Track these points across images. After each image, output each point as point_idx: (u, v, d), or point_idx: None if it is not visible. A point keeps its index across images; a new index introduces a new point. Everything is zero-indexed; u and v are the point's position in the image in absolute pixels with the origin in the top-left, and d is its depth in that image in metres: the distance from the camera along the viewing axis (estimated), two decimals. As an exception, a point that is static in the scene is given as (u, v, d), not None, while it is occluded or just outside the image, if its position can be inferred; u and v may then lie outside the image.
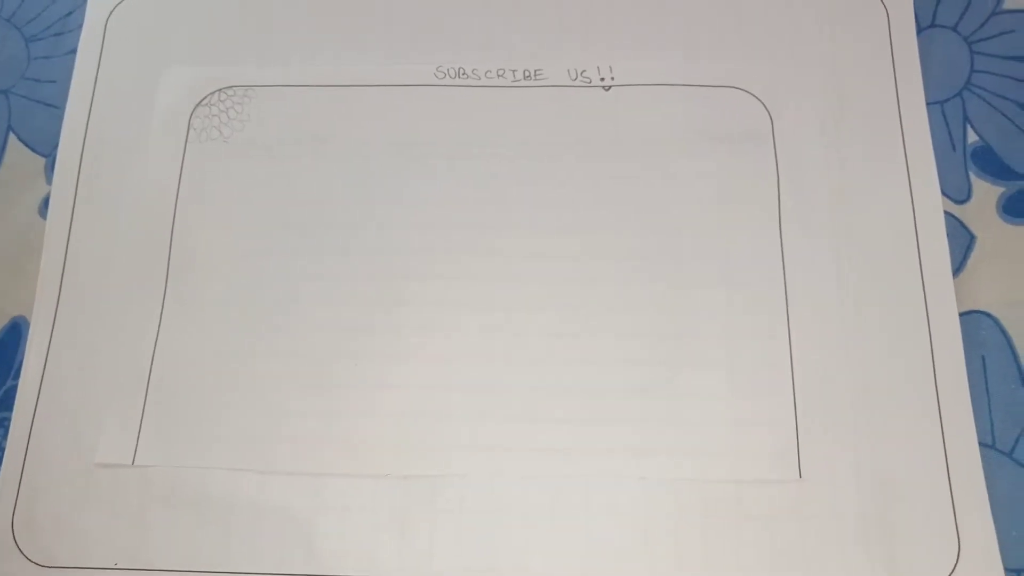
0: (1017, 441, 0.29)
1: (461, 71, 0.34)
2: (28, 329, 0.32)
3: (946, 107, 0.33)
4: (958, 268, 0.31)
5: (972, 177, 0.32)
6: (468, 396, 0.30)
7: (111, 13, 0.36)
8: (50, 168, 0.34)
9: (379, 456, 0.30)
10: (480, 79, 0.34)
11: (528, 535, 0.29)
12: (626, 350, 0.30)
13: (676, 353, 0.30)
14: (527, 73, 0.34)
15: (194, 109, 0.34)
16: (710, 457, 0.29)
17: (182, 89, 0.34)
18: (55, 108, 0.35)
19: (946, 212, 0.31)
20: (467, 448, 0.30)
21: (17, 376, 0.31)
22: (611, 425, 0.30)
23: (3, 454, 0.30)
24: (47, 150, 0.35)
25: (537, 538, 0.29)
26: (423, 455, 0.30)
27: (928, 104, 0.33)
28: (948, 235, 0.31)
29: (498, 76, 0.34)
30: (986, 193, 0.32)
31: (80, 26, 0.36)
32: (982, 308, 0.31)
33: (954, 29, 0.34)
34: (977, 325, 0.30)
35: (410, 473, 0.29)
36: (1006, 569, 0.28)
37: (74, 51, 0.35)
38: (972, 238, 0.32)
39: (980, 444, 0.29)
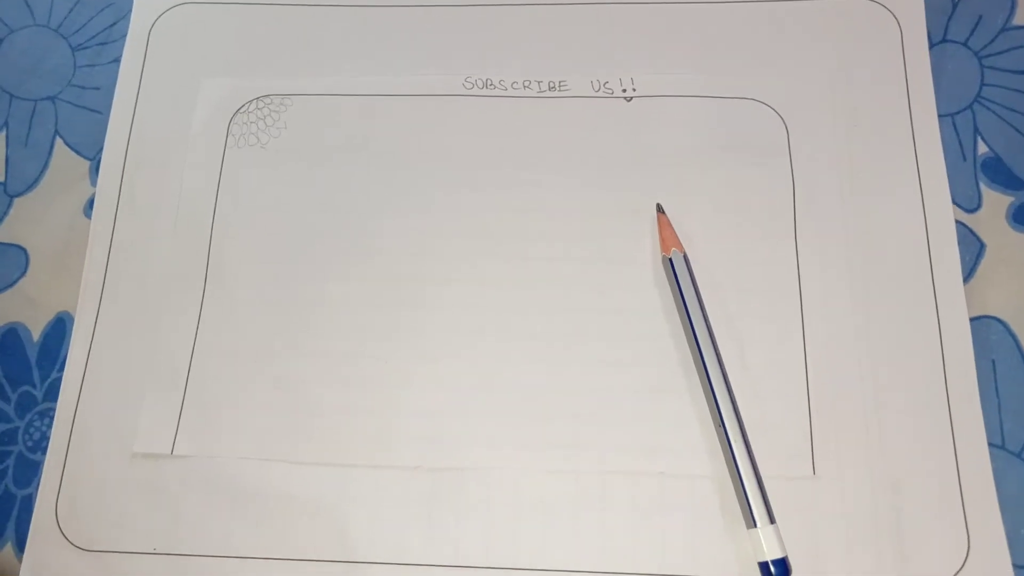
0: (1026, 442, 0.30)
1: (488, 82, 0.36)
2: (72, 324, 0.33)
3: (957, 119, 0.34)
4: (968, 275, 0.32)
5: (982, 187, 0.33)
6: (493, 394, 0.31)
7: (154, 24, 0.38)
8: (94, 171, 0.36)
9: (408, 450, 0.31)
10: (507, 90, 0.35)
11: (549, 527, 0.30)
12: (643, 352, 0.31)
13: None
14: (552, 84, 0.35)
15: (233, 116, 0.36)
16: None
17: (222, 97, 0.36)
18: (100, 114, 0.37)
19: (957, 221, 0.33)
20: (492, 443, 0.31)
21: (62, 368, 0.33)
22: (630, 423, 0.31)
23: (48, 443, 0.32)
24: (92, 154, 0.36)
25: (557, 530, 0.30)
26: (450, 449, 0.31)
27: (939, 116, 0.34)
28: (959, 243, 0.32)
29: (524, 87, 0.35)
30: (996, 202, 0.33)
31: (124, 36, 0.37)
32: (992, 313, 0.32)
33: (965, 44, 0.35)
34: (987, 330, 0.31)
35: (438, 466, 0.31)
36: (1015, 566, 0.28)
37: (118, 60, 0.37)
38: (982, 245, 0.33)
39: (990, 445, 0.30)
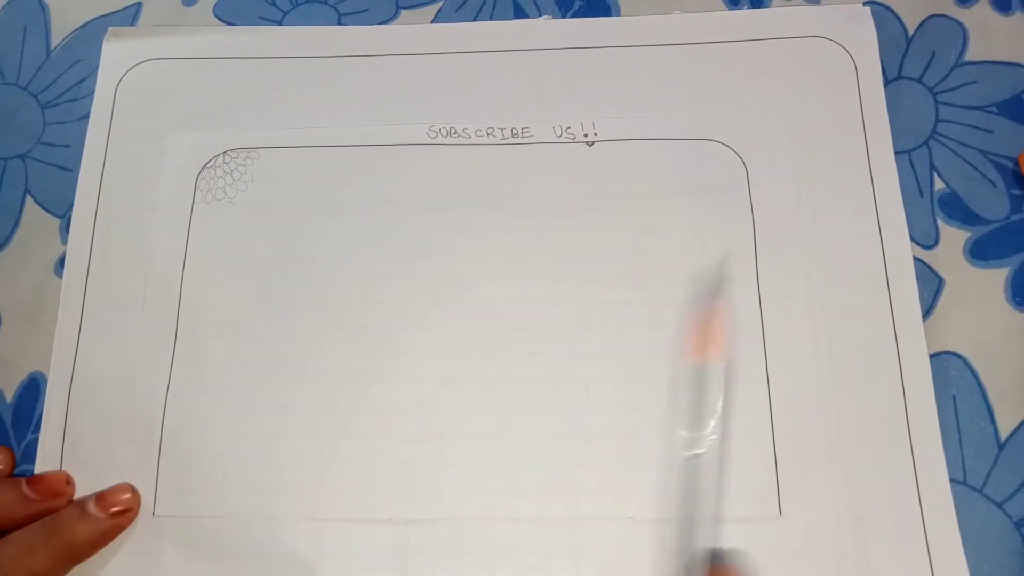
0: (988, 477, 0.30)
1: (452, 130, 0.36)
2: (45, 384, 0.34)
3: (913, 156, 0.35)
4: (927, 311, 0.33)
5: (939, 223, 0.34)
6: (462, 443, 0.32)
7: (121, 80, 0.38)
8: (65, 228, 0.36)
9: (379, 502, 0.31)
10: (470, 137, 0.36)
11: (521, 574, 0.30)
12: (611, 395, 0.32)
13: (659, 398, 0.31)
14: (515, 131, 0.36)
15: (200, 171, 0.36)
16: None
17: (189, 152, 0.36)
18: (69, 171, 0.37)
19: (915, 257, 0.33)
20: (462, 492, 0.31)
21: (36, 430, 0.33)
22: (599, 468, 0.31)
23: (24, 505, 0.32)
24: (62, 211, 0.37)
25: (531, 577, 0.30)
26: (421, 500, 0.31)
27: (896, 153, 0.34)
28: (917, 279, 0.33)
29: (487, 134, 0.36)
30: (953, 238, 0.34)
31: (92, 93, 0.38)
32: (952, 349, 0.32)
33: (919, 80, 0.36)
34: (947, 366, 0.32)
35: (409, 517, 0.31)
36: (978, 602, 0.29)
37: (87, 117, 0.37)
38: (941, 281, 0.33)
39: (952, 481, 0.30)
